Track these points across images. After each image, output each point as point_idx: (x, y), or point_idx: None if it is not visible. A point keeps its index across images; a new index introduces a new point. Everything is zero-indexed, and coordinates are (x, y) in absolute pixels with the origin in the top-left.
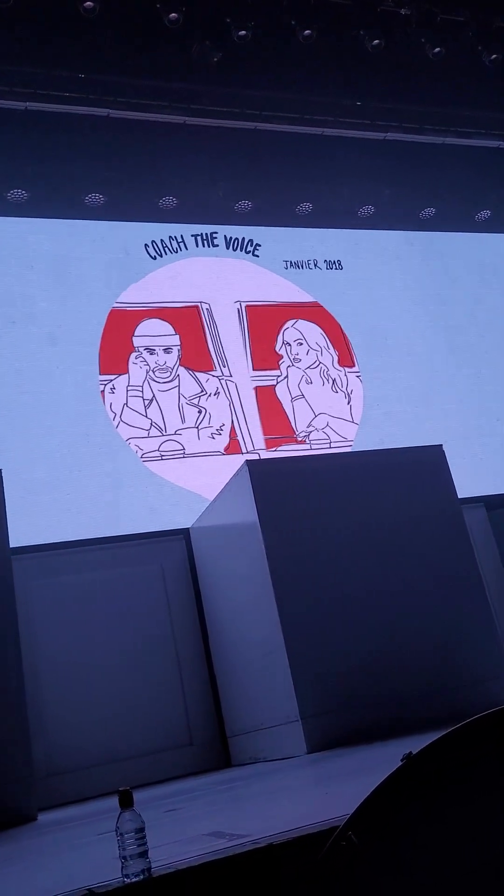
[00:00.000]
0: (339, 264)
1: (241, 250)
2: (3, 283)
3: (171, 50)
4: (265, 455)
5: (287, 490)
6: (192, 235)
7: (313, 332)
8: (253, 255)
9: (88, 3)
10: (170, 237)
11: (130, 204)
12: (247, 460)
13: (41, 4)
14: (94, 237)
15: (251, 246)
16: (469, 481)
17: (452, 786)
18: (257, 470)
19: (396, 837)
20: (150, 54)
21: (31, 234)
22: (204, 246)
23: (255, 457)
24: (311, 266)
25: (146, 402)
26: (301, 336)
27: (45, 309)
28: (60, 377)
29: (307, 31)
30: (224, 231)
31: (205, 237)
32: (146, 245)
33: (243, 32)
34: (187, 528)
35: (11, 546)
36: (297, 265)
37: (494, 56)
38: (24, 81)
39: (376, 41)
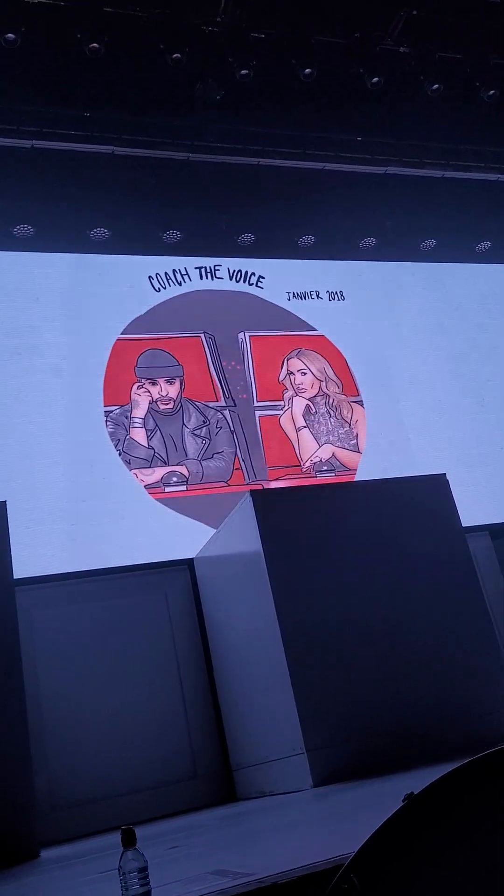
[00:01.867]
0: (342, 295)
1: (244, 282)
2: (9, 316)
3: (175, 88)
4: (269, 486)
5: (291, 520)
6: (196, 268)
7: (317, 363)
8: (256, 286)
9: (94, 44)
10: (173, 270)
11: (135, 238)
12: (251, 490)
13: (47, 45)
14: (100, 270)
15: (254, 278)
16: (473, 510)
17: (456, 827)
18: (261, 500)
19: (399, 880)
20: (153, 93)
21: (38, 268)
22: (207, 279)
23: (259, 487)
24: (314, 297)
25: (149, 432)
26: (304, 366)
27: (50, 341)
28: (65, 408)
29: (308, 70)
30: (227, 264)
31: (208, 270)
32: (150, 277)
33: (245, 71)
34: (191, 559)
35: (15, 577)
36: (299, 296)
37: (492, 92)
38: (31, 120)
39: (376, 79)
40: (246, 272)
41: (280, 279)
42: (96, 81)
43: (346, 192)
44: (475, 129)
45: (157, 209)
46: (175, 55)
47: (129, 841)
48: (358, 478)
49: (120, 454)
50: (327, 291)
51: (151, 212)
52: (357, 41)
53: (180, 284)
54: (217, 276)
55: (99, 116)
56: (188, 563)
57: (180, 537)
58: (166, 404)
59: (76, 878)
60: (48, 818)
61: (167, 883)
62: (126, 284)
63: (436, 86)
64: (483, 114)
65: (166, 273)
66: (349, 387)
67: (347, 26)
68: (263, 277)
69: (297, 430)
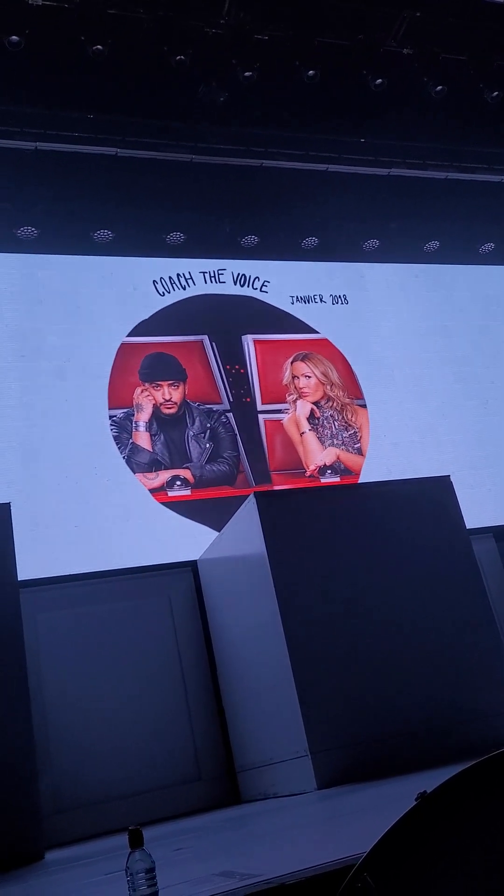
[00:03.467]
0: (345, 298)
1: (248, 286)
2: (13, 318)
3: (178, 90)
4: (273, 488)
5: (295, 522)
6: (200, 272)
7: (320, 366)
8: (261, 290)
9: (98, 46)
10: (178, 274)
11: (138, 240)
12: (255, 492)
13: (51, 47)
14: (104, 273)
15: (258, 282)
16: (478, 511)
17: (469, 825)
18: (265, 502)
19: (412, 879)
20: (157, 95)
21: (41, 270)
22: (212, 283)
23: (263, 489)
24: (318, 300)
25: (153, 436)
26: (309, 370)
27: (53, 343)
28: (69, 411)
29: (311, 72)
30: (231, 267)
31: (213, 274)
32: (154, 281)
33: (249, 73)
34: (195, 561)
35: (19, 579)
36: (303, 300)
37: (496, 93)
38: (35, 122)
39: (379, 80)
40: (250, 276)
41: (284, 283)
42: (99, 84)
43: (349, 194)
44: (479, 130)
45: (160, 211)
46: (178, 57)
47: (136, 841)
48: (361, 480)
49: (124, 457)
50: (331, 295)
51: (155, 214)
52: (360, 43)
53: (184, 288)
54: (221, 280)
55: (102, 118)
56: (192, 566)
57: (184, 539)
58: (170, 408)
59: (81, 880)
60: (53, 821)
61: (174, 884)
62: (129, 287)
63: (439, 87)
64: (487, 115)
65: (171, 277)
66: (353, 389)
67: (350, 28)
68: (269, 282)
69: (301, 433)
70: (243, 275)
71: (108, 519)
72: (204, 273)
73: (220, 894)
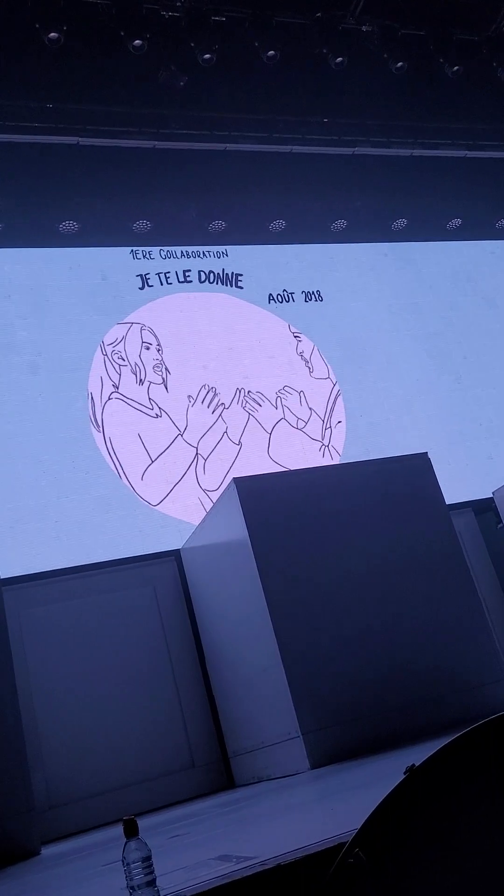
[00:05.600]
0: (317, 280)
1: (222, 283)
2: None
3: (138, 76)
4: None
5: (276, 505)
6: (174, 271)
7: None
8: (236, 286)
9: (53, 33)
10: (157, 273)
11: (104, 229)
12: (234, 478)
13: (5, 37)
14: (71, 264)
15: (233, 278)
16: (456, 487)
17: (458, 796)
18: (245, 487)
19: (403, 851)
20: (116, 81)
21: (7, 265)
22: (184, 281)
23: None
24: (291, 283)
25: (131, 427)
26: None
27: (24, 338)
28: (43, 405)
29: (271, 52)
30: (200, 266)
31: (185, 272)
32: (130, 278)
33: (208, 56)
34: (178, 550)
35: (2, 577)
36: (276, 290)
37: (456, 67)
38: None
39: (339, 58)
40: (228, 273)
41: (256, 271)
42: (57, 72)
43: (314, 175)
44: (441, 105)
45: (125, 200)
46: (136, 42)
47: (131, 831)
48: (341, 460)
49: (102, 449)
50: (303, 292)
51: (120, 202)
52: (318, 21)
53: (163, 285)
54: (188, 279)
55: (61, 108)
56: (175, 555)
57: (166, 529)
58: (150, 408)
59: (79, 873)
60: (48, 816)
61: (171, 871)
62: (98, 277)
63: (400, 63)
64: (448, 90)
65: (147, 275)
66: (322, 371)
67: (308, 6)
68: (241, 275)
69: (276, 422)
70: (213, 272)
71: (88, 512)
72: (177, 272)
73: (217, 878)
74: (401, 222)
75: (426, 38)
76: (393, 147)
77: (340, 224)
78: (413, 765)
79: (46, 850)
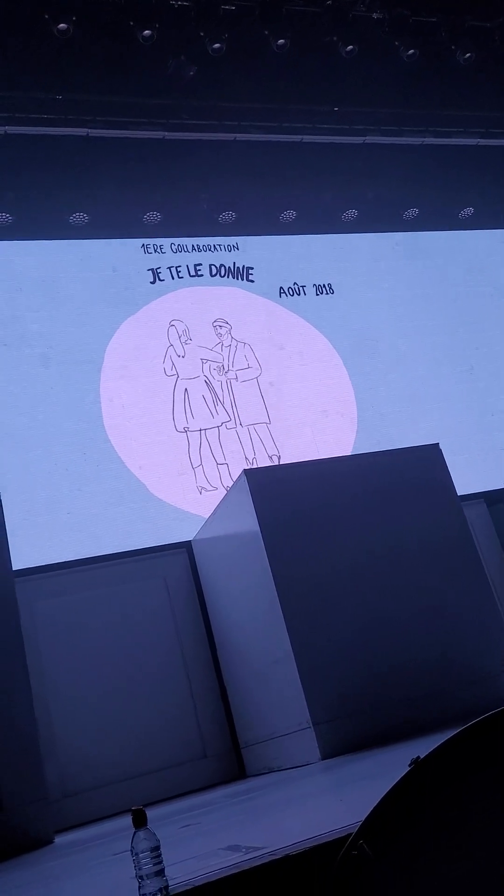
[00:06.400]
0: (328, 271)
1: (233, 277)
2: None
3: (147, 66)
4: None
5: (286, 497)
6: (185, 265)
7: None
8: (247, 279)
9: (62, 24)
10: (168, 267)
11: (115, 221)
12: (245, 469)
13: (14, 29)
14: (82, 257)
15: (244, 272)
16: (468, 478)
17: (463, 788)
18: (256, 478)
19: (407, 844)
20: (126, 72)
21: (17, 257)
22: (196, 275)
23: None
24: (301, 276)
25: (143, 419)
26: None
27: (35, 330)
28: (55, 397)
29: (281, 41)
30: (210, 260)
31: (198, 266)
32: (140, 272)
33: (217, 45)
34: (189, 541)
35: (14, 568)
36: (287, 283)
37: (468, 55)
38: (2, 106)
39: (350, 47)
40: (239, 266)
41: (265, 261)
42: (66, 63)
43: (325, 165)
44: (453, 93)
45: (135, 191)
46: (145, 32)
47: (139, 821)
48: (353, 451)
49: (113, 441)
50: (315, 276)
51: (130, 194)
52: (329, 9)
53: (174, 279)
54: (199, 273)
55: (71, 99)
56: (186, 546)
57: (177, 521)
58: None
59: (91, 861)
60: (61, 805)
61: (181, 861)
62: (109, 269)
63: (411, 51)
64: (460, 77)
65: (158, 269)
66: (334, 363)
67: None
68: (251, 269)
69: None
70: (224, 265)
71: (100, 504)
72: (188, 265)
73: (226, 868)
74: (412, 212)
75: (438, 25)
76: (404, 136)
77: (351, 214)
78: (418, 756)
79: (60, 839)
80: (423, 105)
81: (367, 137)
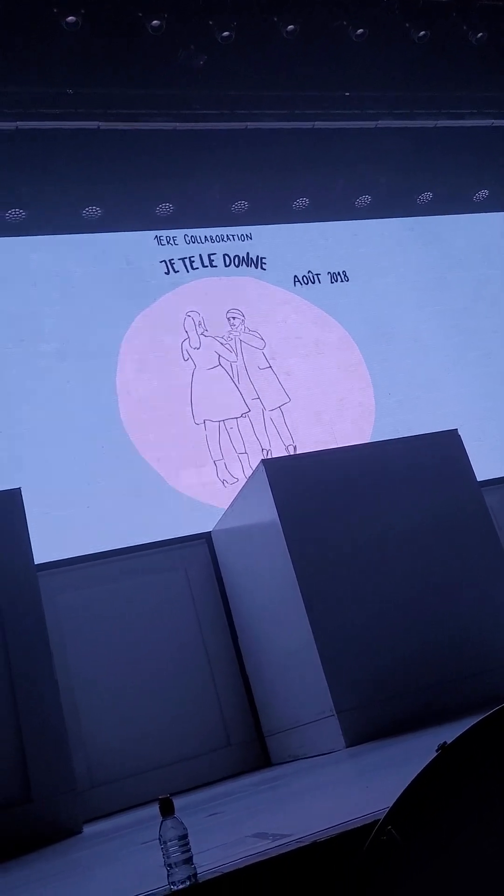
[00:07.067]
0: (342, 258)
1: (246, 265)
2: (8, 303)
3: (157, 57)
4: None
5: (305, 485)
6: (199, 255)
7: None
8: (260, 267)
9: (70, 17)
10: (182, 258)
11: (128, 214)
12: (263, 459)
13: (23, 23)
14: (96, 251)
15: (258, 261)
16: (488, 463)
17: (491, 773)
18: (274, 468)
19: (436, 829)
20: (135, 63)
21: (33, 252)
22: (209, 265)
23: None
24: (315, 264)
25: (161, 412)
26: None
27: (51, 325)
28: (71, 392)
29: (290, 27)
30: (224, 250)
31: (210, 256)
32: (154, 264)
33: (227, 33)
34: (209, 532)
35: (36, 562)
36: (301, 271)
37: (480, 34)
38: (13, 101)
39: (360, 30)
40: (253, 256)
41: (280, 250)
42: (76, 56)
43: (337, 150)
44: (465, 74)
45: (147, 183)
46: (154, 22)
47: (167, 810)
48: (371, 439)
49: (130, 434)
50: (329, 264)
51: (143, 186)
52: None
53: (188, 271)
54: (212, 263)
55: (81, 92)
56: (206, 537)
57: (196, 511)
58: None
59: (120, 851)
60: (89, 795)
61: (209, 849)
62: (123, 262)
63: (422, 32)
64: (472, 58)
65: (171, 260)
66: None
67: None
68: (265, 258)
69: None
70: (238, 255)
71: (118, 497)
72: (201, 256)
73: (254, 855)
74: (426, 196)
75: (448, 5)
76: (417, 118)
77: (365, 200)
78: (445, 742)
79: (88, 829)
80: (436, 87)
81: (379, 122)
